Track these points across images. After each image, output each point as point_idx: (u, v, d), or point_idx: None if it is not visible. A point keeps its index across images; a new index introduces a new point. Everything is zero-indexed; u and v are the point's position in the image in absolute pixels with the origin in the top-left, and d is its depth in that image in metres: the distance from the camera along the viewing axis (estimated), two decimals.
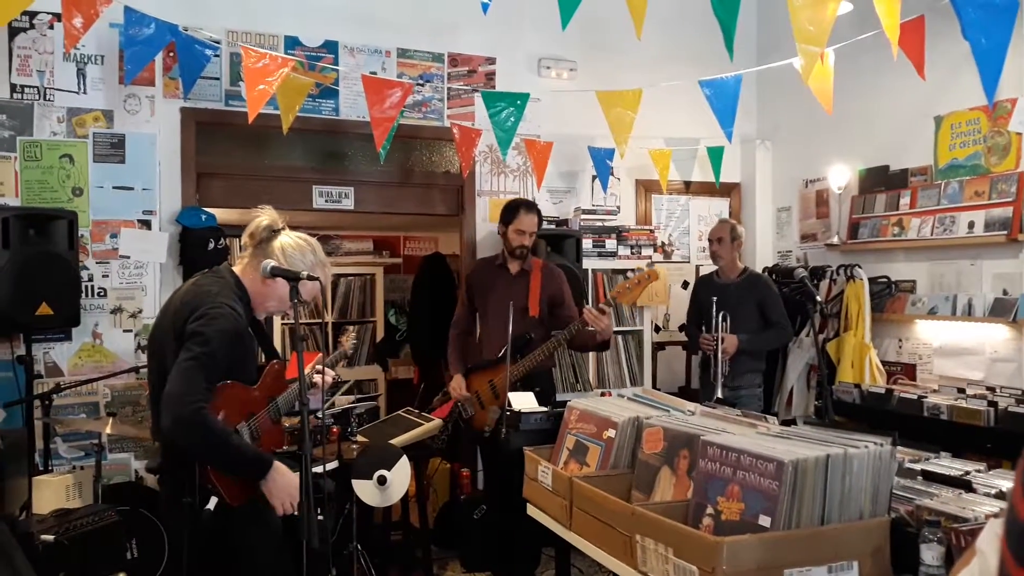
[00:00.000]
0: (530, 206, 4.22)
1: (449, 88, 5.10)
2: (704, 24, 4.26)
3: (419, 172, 5.20)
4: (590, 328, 3.83)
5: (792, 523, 1.76)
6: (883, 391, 4.11)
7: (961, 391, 3.91)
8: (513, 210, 4.19)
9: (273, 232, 2.56)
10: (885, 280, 4.78)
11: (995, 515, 1.77)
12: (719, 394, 4.31)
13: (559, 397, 4.44)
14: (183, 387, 2.28)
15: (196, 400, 2.27)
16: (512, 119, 4.45)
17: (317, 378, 2.89)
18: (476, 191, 5.22)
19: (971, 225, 4.25)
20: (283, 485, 2.43)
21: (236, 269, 2.59)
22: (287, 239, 2.56)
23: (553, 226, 5.16)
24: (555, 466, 2.59)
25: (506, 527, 3.96)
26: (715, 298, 4.47)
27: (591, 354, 5.02)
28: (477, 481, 4.74)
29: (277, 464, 2.44)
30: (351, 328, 4.08)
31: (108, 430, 3.63)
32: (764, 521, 1.76)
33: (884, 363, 4.70)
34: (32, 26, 4.16)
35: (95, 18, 3.48)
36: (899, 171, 4.78)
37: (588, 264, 5.04)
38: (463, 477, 4.67)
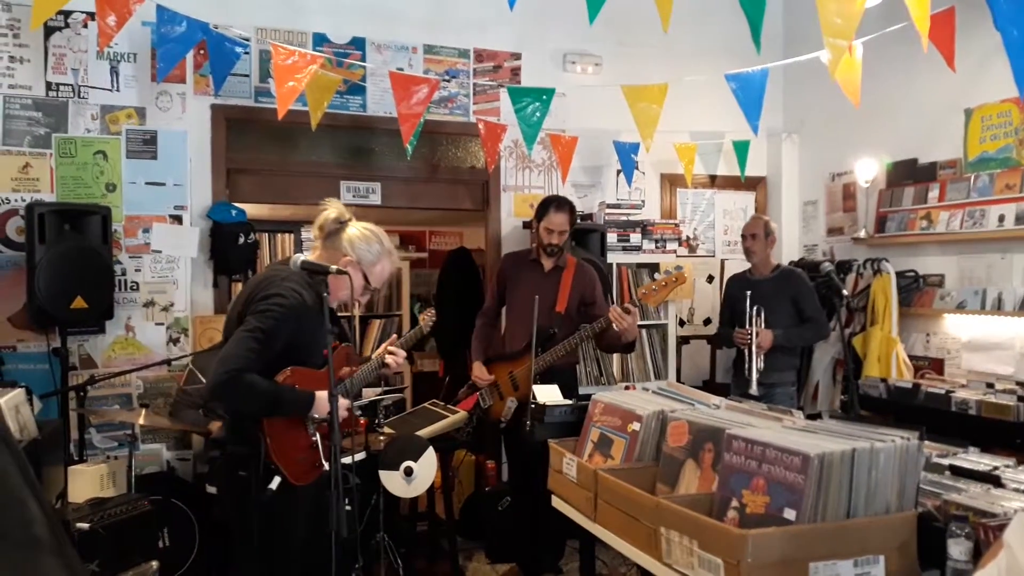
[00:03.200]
0: (561, 204, 4.14)
1: (475, 84, 5.13)
2: (730, 17, 4.24)
3: (445, 167, 5.23)
4: (615, 327, 3.82)
5: (817, 517, 1.76)
6: (910, 385, 4.08)
7: (990, 386, 3.87)
8: (543, 207, 4.16)
9: (341, 224, 2.67)
10: (913, 274, 4.73)
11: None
12: (754, 390, 4.25)
13: (583, 391, 4.46)
14: (228, 352, 2.43)
15: (235, 366, 2.39)
16: (538, 114, 4.46)
17: (389, 359, 3.00)
18: (501, 186, 5.25)
19: (1001, 219, 4.19)
20: (325, 407, 2.55)
21: (312, 257, 2.67)
22: (354, 230, 2.67)
23: (578, 220, 5.16)
24: (580, 458, 2.60)
25: (531, 519, 3.99)
26: (749, 292, 4.43)
27: (615, 352, 5.02)
28: (502, 473, 4.77)
29: (318, 394, 2.56)
30: (430, 309, 3.95)
31: (141, 421, 3.70)
32: (789, 514, 1.77)
33: (911, 358, 4.66)
34: (67, 25, 4.24)
35: (128, 16, 3.54)
36: (928, 164, 4.73)
37: (613, 258, 5.04)
38: (488, 469, 4.71)
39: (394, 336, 3.25)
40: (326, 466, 2.57)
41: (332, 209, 2.70)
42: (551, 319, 3.99)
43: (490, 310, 4.37)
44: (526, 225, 5.13)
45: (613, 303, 4.74)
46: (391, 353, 3.02)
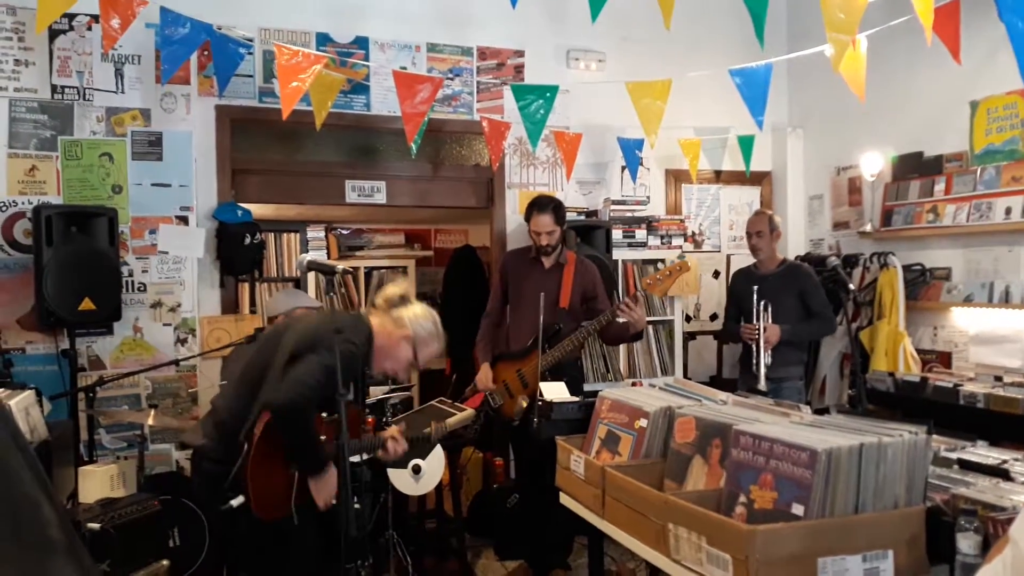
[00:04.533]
0: (543, 205, 4.12)
1: (478, 81, 5.13)
2: (733, 12, 4.25)
3: (449, 165, 5.23)
4: (622, 319, 3.83)
5: (826, 512, 1.76)
6: (918, 379, 4.07)
7: (998, 379, 3.86)
8: (528, 211, 4.19)
9: (403, 300, 2.91)
10: (919, 268, 4.72)
11: None
12: (763, 385, 4.23)
13: (590, 387, 4.46)
14: (307, 378, 2.52)
15: (308, 394, 2.51)
16: (541, 111, 4.46)
17: (391, 445, 3.02)
18: (506, 183, 5.25)
19: (1008, 211, 4.18)
20: (330, 486, 2.66)
21: (373, 321, 2.83)
22: (416, 307, 2.91)
23: (583, 217, 5.16)
24: (587, 455, 2.61)
25: (539, 516, 4.00)
26: (756, 287, 4.41)
27: (622, 344, 5.02)
28: (510, 470, 4.77)
29: (332, 470, 2.66)
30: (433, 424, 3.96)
31: (150, 421, 3.72)
32: (797, 510, 1.77)
33: (919, 351, 4.65)
34: (71, 28, 4.26)
35: (132, 19, 3.56)
36: (933, 157, 4.71)
37: (618, 255, 5.04)
38: (496, 466, 4.72)
39: (403, 425, 3.26)
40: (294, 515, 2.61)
41: (399, 287, 2.94)
42: (555, 315, 3.99)
43: (495, 310, 4.37)
44: None
45: (618, 294, 4.75)
46: (394, 439, 3.03)
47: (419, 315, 2.86)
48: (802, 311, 4.50)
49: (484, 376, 4.12)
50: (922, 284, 4.69)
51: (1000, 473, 2.06)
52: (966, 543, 1.72)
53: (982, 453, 2.28)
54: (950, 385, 3.84)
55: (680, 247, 5.25)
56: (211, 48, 4.18)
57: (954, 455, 2.24)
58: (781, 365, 4.42)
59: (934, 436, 1.98)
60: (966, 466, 2.14)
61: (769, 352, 4.32)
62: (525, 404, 3.78)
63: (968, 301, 4.39)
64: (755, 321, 4.32)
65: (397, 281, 2.99)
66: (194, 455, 2.83)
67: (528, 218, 4.18)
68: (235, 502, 2.54)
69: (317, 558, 2.73)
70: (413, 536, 4.16)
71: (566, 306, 4.09)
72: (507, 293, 4.31)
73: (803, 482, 1.77)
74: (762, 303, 4.31)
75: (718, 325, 5.50)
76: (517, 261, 4.33)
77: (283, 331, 2.75)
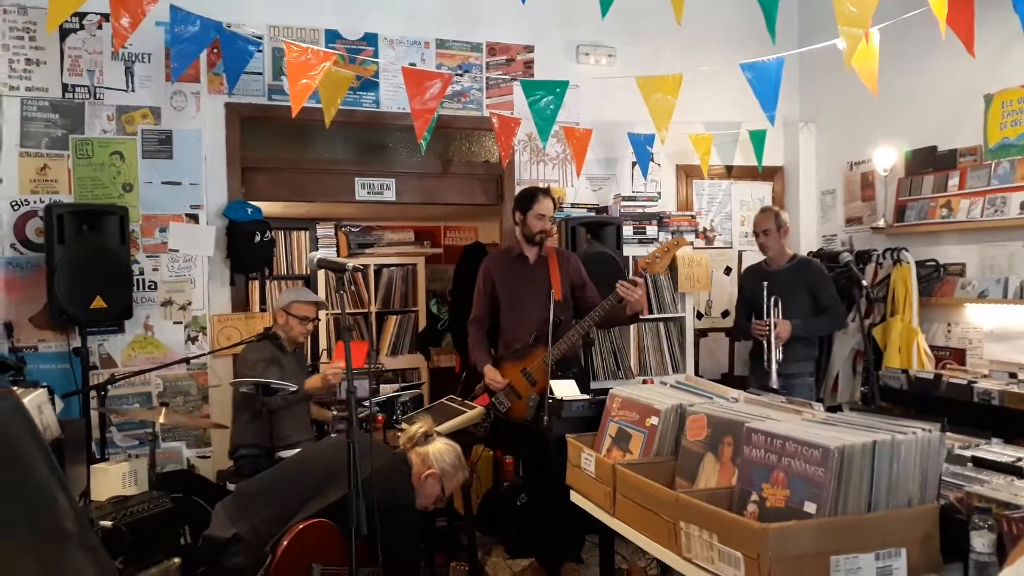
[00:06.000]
0: (545, 191, 4.20)
1: (488, 78, 5.12)
2: (744, 6, 4.21)
3: (459, 162, 5.23)
4: (623, 302, 3.81)
5: (838, 510, 1.74)
6: (931, 376, 4.03)
7: (1013, 376, 3.82)
8: (530, 197, 4.11)
9: (427, 437, 3.08)
10: (933, 263, 4.68)
11: None
12: (774, 382, 4.20)
13: (600, 385, 4.44)
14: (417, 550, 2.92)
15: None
16: (551, 107, 4.45)
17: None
18: (516, 180, 5.23)
19: (1023, 206, 4.14)
20: None
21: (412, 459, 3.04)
22: (439, 444, 3.09)
23: (593, 213, 5.15)
24: (598, 453, 2.60)
25: (549, 514, 3.99)
26: (765, 283, 4.39)
27: (632, 341, 5.00)
28: (520, 468, 4.76)
29: None
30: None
31: (161, 419, 3.72)
32: (810, 508, 1.75)
33: (932, 348, 4.61)
34: (82, 27, 4.27)
35: (142, 17, 3.56)
36: (947, 151, 4.67)
37: (629, 251, 5.02)
38: (506, 464, 4.71)
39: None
40: None
41: (423, 426, 3.11)
42: (553, 308, 3.97)
43: (483, 316, 4.24)
44: None
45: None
46: None
47: (442, 451, 3.04)
48: (812, 306, 4.49)
49: (492, 375, 4.05)
50: (936, 280, 4.65)
51: (1015, 471, 2.04)
52: (980, 541, 1.70)
53: (996, 451, 2.26)
54: (964, 382, 3.79)
55: (691, 243, 5.22)
56: (221, 46, 4.19)
57: (968, 453, 2.22)
58: (792, 361, 4.40)
59: (948, 433, 1.96)
60: (980, 464, 2.12)
61: (780, 348, 4.30)
62: (535, 402, 3.76)
63: (982, 297, 4.35)
64: (766, 317, 4.31)
65: (422, 420, 3.18)
66: (213, 542, 2.83)
67: (529, 206, 4.08)
68: None
69: None
70: (423, 534, 4.15)
71: (560, 298, 4.06)
72: (494, 298, 4.23)
73: (816, 480, 1.76)
74: (772, 299, 4.30)
75: (729, 322, 5.48)
76: (501, 264, 4.26)
77: (339, 464, 2.70)
